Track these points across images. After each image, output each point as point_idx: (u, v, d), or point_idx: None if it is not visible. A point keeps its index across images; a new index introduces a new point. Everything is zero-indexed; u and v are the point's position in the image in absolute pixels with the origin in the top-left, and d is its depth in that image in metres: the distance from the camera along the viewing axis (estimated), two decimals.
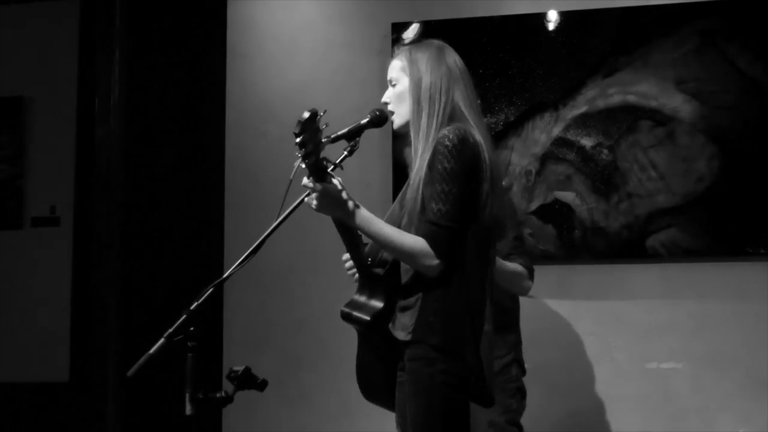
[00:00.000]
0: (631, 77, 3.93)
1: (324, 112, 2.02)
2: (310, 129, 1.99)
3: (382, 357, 2.35)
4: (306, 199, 2.18)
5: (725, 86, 3.85)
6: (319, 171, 2.10)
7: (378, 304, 2.31)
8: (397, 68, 2.37)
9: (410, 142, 2.33)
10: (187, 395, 2.03)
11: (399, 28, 4.10)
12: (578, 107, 3.97)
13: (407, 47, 2.39)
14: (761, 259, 3.80)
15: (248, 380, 2.10)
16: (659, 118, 3.90)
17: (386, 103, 2.38)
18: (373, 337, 2.34)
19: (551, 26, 4.04)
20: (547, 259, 3.89)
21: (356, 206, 2.18)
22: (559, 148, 3.98)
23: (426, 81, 2.30)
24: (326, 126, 2.05)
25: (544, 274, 3.47)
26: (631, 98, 3.93)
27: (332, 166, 2.14)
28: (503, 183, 3.00)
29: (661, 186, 3.87)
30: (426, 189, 2.20)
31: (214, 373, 3.99)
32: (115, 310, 4.41)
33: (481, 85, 3.93)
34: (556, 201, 3.97)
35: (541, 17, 4.04)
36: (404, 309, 2.27)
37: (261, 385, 2.11)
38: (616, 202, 3.91)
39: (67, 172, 4.54)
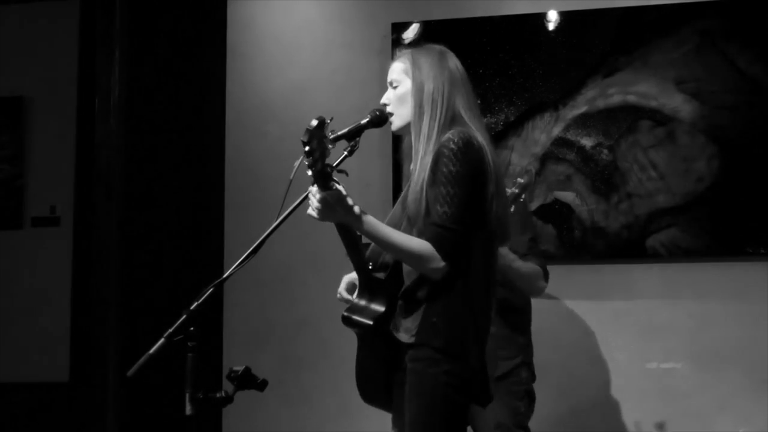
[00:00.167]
0: (631, 77, 3.93)
1: (331, 119, 2.02)
2: (317, 137, 2.00)
3: (382, 360, 2.35)
4: (308, 211, 2.17)
5: (725, 86, 3.85)
6: (324, 178, 2.09)
7: (379, 307, 2.31)
8: (398, 70, 2.37)
9: (409, 142, 2.33)
10: (187, 395, 2.03)
11: (399, 28, 4.11)
12: (578, 107, 3.97)
13: (409, 50, 2.40)
14: (761, 259, 3.80)
15: (248, 380, 2.09)
16: (659, 118, 3.90)
17: (385, 105, 2.38)
18: (374, 340, 2.34)
19: (551, 26, 4.04)
20: (547, 259, 3.87)
21: (362, 212, 2.18)
22: (559, 148, 3.98)
23: (429, 85, 2.30)
24: (331, 131, 2.05)
25: None
26: (631, 98, 3.93)
27: (336, 172, 2.12)
28: (518, 181, 3.00)
29: (661, 186, 3.87)
30: (430, 192, 2.20)
31: (214, 373, 3.99)
32: (115, 310, 4.41)
33: (481, 85, 3.92)
34: (556, 201, 3.96)
35: (541, 17, 4.04)
36: (408, 312, 2.26)
37: (261, 385, 2.11)
38: (616, 202, 3.91)
39: (67, 172, 4.53)
